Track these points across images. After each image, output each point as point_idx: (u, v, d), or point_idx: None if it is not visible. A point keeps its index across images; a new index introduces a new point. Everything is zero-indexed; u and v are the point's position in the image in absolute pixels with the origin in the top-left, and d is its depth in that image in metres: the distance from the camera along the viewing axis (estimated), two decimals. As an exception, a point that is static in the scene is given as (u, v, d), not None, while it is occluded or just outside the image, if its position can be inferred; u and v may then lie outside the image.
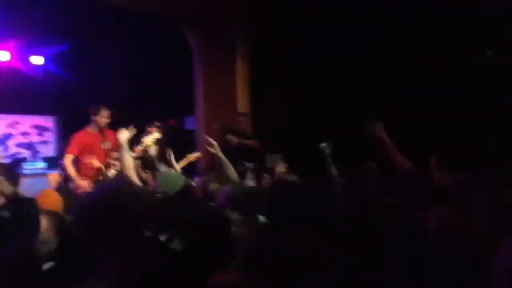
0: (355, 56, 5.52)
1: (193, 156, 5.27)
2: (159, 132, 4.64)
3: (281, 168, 4.49)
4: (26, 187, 3.29)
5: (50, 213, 2.35)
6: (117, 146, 4.82)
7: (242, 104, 6.73)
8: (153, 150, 5.05)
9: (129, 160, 3.00)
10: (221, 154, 3.66)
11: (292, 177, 3.88)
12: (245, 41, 6.75)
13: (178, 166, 4.95)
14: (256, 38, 6.69)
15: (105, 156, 4.69)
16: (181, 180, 3.03)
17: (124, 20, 6.12)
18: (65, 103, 6.74)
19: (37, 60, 7.06)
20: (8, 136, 6.88)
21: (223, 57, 6.64)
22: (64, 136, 6.81)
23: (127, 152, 3.10)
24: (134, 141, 4.86)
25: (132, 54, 6.76)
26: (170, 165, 5.06)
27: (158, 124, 5.27)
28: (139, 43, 6.67)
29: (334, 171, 3.63)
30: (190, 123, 6.95)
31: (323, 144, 3.86)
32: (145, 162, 5.26)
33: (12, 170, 2.99)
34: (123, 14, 5.95)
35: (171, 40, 6.60)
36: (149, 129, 5.21)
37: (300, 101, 6.20)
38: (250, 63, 6.80)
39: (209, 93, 6.56)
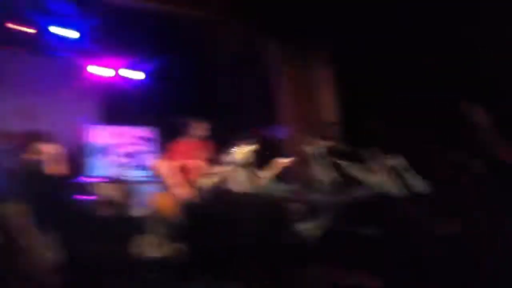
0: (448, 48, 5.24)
1: (282, 162, 5.24)
2: (253, 143, 4.76)
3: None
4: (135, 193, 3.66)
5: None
6: (212, 157, 5.15)
7: (329, 111, 6.71)
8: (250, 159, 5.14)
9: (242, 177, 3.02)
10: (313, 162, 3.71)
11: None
12: (332, 46, 6.71)
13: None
14: (344, 42, 6.64)
15: (201, 166, 4.99)
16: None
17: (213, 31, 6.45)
18: (165, 115, 7.24)
19: (139, 75, 7.69)
20: (115, 146, 7.55)
21: (309, 64, 6.70)
22: (163, 147, 7.32)
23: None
24: (224, 152, 5.12)
25: (223, 67, 7.11)
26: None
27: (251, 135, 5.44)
28: (224, 56, 6.97)
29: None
30: (277, 133, 7.10)
31: None
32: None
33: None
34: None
35: (254, 49, 6.79)
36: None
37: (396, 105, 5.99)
38: (338, 69, 6.75)
39: (294, 101, 6.65)
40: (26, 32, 6.58)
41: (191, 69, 7.08)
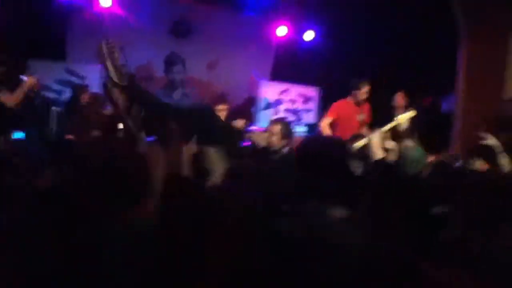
0: None
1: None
2: (414, 110, 4.67)
3: None
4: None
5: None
6: (370, 119, 5.15)
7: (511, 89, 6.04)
8: (404, 126, 5.06)
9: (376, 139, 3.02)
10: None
11: None
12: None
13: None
14: None
15: (359, 126, 5.03)
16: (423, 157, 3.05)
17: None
18: (329, 75, 7.39)
19: (309, 34, 7.91)
20: (279, 101, 8.03)
21: (493, 35, 6.05)
22: (324, 106, 7.51)
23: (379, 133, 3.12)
24: (387, 117, 5.04)
25: (393, 29, 6.84)
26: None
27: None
28: (401, 17, 6.67)
29: None
30: (448, 103, 6.65)
31: None
32: (394, 136, 5.36)
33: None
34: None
35: (435, 13, 6.36)
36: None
37: None
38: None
39: (472, 73, 6.13)
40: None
41: (363, 31, 6.99)
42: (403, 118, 4.67)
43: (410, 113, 4.66)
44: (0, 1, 6.07)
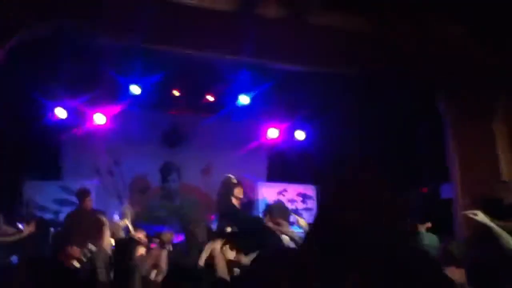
0: None
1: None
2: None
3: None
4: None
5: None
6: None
7: (507, 169, 6.09)
8: None
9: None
10: (489, 223, 3.39)
11: None
12: (504, 99, 6.22)
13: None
14: None
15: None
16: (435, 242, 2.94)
17: (371, 86, 6.51)
18: (324, 172, 7.42)
19: (300, 134, 8.10)
20: (278, 202, 7.95)
21: (479, 119, 6.23)
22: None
23: None
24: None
25: (380, 120, 7.05)
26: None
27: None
28: (387, 108, 6.91)
29: None
30: (446, 191, 6.64)
31: None
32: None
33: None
34: (370, 83, 6.35)
35: (419, 103, 6.60)
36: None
37: None
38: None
39: (465, 158, 6.18)
40: (206, 99, 7.60)
41: (353, 128, 7.19)
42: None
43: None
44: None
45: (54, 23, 5.03)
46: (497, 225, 3.31)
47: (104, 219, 5.34)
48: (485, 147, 6.15)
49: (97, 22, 5.09)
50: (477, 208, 4.27)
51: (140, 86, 7.01)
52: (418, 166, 6.71)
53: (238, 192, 4.74)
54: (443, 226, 5.60)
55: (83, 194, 5.51)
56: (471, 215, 3.57)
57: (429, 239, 3.06)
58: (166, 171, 7.65)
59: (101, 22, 5.11)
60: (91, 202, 5.53)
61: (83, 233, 5.09)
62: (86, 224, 5.19)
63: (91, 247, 4.14)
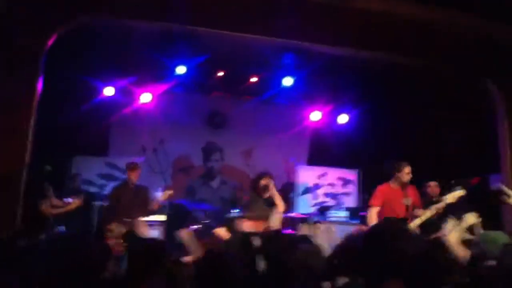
0: None
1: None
2: (464, 189, 4.53)
3: None
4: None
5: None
6: (417, 202, 4.94)
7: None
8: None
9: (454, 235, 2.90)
10: None
11: None
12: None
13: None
14: None
15: (405, 211, 4.81)
16: (503, 238, 2.78)
17: (420, 79, 6.31)
18: (367, 158, 7.31)
19: (343, 118, 7.96)
20: (318, 186, 7.92)
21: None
22: (364, 189, 7.33)
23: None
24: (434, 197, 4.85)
25: (429, 110, 6.82)
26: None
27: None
28: (436, 98, 6.69)
29: None
30: (496, 182, 6.37)
31: None
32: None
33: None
34: (418, 74, 6.16)
35: (470, 92, 6.34)
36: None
37: None
38: None
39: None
40: (249, 81, 7.60)
41: (398, 113, 7.00)
42: (452, 197, 4.53)
43: (459, 192, 4.51)
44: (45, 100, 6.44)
45: (96, 16, 5.22)
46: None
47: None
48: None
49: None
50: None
51: (185, 67, 7.09)
52: (468, 157, 6.47)
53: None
54: (492, 218, 5.40)
55: (133, 167, 5.56)
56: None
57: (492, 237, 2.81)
58: (208, 150, 7.78)
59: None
60: (138, 177, 5.60)
61: (129, 206, 5.31)
62: (133, 198, 5.40)
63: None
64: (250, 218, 4.83)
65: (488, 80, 6.09)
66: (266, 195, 5.00)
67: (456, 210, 4.99)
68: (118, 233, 4.13)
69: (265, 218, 4.84)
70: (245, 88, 7.82)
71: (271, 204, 4.97)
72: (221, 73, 7.47)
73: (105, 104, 7.10)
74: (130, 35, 5.94)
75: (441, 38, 5.69)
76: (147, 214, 5.55)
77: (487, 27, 5.64)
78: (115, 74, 6.93)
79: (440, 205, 4.45)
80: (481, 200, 5.68)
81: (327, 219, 6.60)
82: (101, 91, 7.02)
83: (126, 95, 7.26)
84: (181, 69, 7.07)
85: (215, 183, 7.57)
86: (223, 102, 8.05)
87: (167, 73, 7.19)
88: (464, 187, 4.76)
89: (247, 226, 4.73)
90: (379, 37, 5.62)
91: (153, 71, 7.09)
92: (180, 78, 7.23)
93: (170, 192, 5.65)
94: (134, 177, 5.52)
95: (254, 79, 7.61)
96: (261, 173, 5.27)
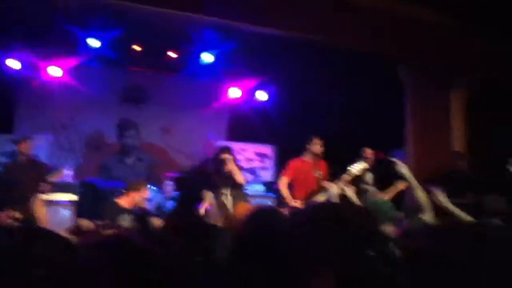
0: None
1: (403, 185, 5.26)
2: (366, 162, 4.83)
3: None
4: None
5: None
6: (327, 175, 5.20)
7: (458, 142, 6.32)
8: (368, 179, 5.27)
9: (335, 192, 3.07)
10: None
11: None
12: (461, 77, 6.40)
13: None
14: (474, 73, 6.28)
15: (315, 183, 5.05)
16: (389, 207, 3.04)
17: (337, 58, 6.54)
18: (283, 133, 7.50)
19: (261, 95, 8.09)
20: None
21: (437, 94, 6.41)
22: (280, 164, 7.54)
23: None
24: (341, 170, 5.12)
25: (343, 89, 7.12)
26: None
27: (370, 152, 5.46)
28: (350, 78, 6.98)
29: None
30: (399, 157, 6.84)
31: None
32: (358, 190, 5.49)
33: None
34: (335, 53, 6.38)
35: (381, 74, 6.69)
36: (365, 154, 5.45)
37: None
38: (467, 100, 6.40)
39: (420, 129, 6.37)
40: (168, 56, 7.43)
41: (312, 89, 7.23)
42: (356, 170, 4.81)
43: (363, 165, 4.81)
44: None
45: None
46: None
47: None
48: (441, 118, 6.35)
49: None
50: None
51: (99, 40, 6.79)
52: (377, 132, 6.85)
53: None
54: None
55: (22, 140, 5.27)
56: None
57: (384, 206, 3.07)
58: (123, 127, 7.50)
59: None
60: (30, 150, 5.27)
61: (23, 184, 4.95)
62: (27, 174, 5.05)
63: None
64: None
65: (399, 63, 6.44)
66: (226, 169, 4.95)
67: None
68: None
69: None
70: (164, 64, 7.64)
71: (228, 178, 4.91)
72: (138, 47, 7.22)
73: (9, 77, 6.60)
74: (41, 6, 5.53)
75: (357, 19, 5.88)
76: (44, 192, 5.21)
77: (402, 10, 5.91)
78: (20, 45, 6.44)
79: (345, 177, 4.70)
80: (384, 173, 6.11)
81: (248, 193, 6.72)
82: (3, 62, 6.50)
83: (33, 69, 6.79)
84: (94, 42, 6.79)
85: (130, 161, 7.35)
86: (140, 77, 7.79)
87: (80, 46, 6.85)
88: (367, 160, 5.09)
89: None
90: (296, 17, 5.71)
91: (64, 44, 6.68)
92: (94, 52, 6.93)
93: (61, 172, 5.37)
94: (25, 150, 5.20)
95: (173, 55, 7.46)
96: (221, 147, 5.24)
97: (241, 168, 5.35)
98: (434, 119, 6.37)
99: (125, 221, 4.19)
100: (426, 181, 3.87)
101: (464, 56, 6.14)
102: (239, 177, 4.98)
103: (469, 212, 3.37)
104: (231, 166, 4.93)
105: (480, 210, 4.58)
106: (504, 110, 5.95)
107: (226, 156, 4.97)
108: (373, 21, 5.75)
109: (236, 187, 4.93)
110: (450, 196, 3.42)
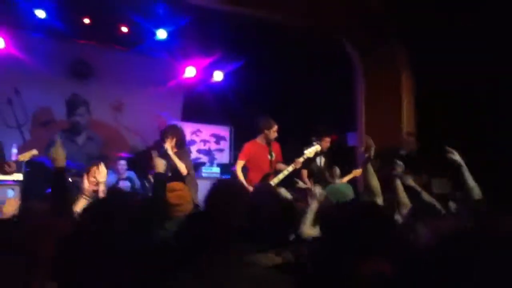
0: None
1: (358, 172, 5.40)
2: (319, 144, 4.89)
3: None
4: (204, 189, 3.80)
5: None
6: (280, 158, 5.22)
7: (407, 121, 6.49)
8: (321, 162, 5.36)
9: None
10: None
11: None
12: (409, 53, 6.51)
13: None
14: (421, 49, 6.41)
15: (269, 165, 5.07)
16: (350, 191, 3.11)
17: (289, 36, 6.52)
18: (239, 115, 7.45)
19: (218, 75, 7.96)
20: (192, 142, 7.88)
21: (385, 71, 6.52)
22: (236, 145, 7.51)
23: None
24: (296, 153, 5.17)
25: (297, 70, 7.14)
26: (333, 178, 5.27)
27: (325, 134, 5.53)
28: (303, 58, 6.99)
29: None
30: (352, 139, 6.99)
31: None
32: (311, 172, 5.58)
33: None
34: (287, 31, 6.36)
35: (335, 54, 6.73)
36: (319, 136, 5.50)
37: (473, 116, 5.65)
38: (415, 77, 6.53)
39: (370, 109, 6.50)
40: (120, 30, 7.12)
41: (268, 72, 7.18)
42: (309, 152, 4.88)
43: (316, 148, 4.88)
44: None
45: None
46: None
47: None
48: (391, 98, 6.49)
49: None
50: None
51: (45, 11, 6.41)
52: (331, 115, 6.93)
53: None
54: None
55: None
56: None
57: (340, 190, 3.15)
58: (73, 104, 7.17)
59: None
60: None
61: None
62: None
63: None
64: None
65: (346, 40, 6.49)
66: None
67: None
68: None
69: None
70: (115, 38, 7.33)
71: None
72: (87, 21, 6.87)
73: None
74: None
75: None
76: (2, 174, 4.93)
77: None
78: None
79: (299, 160, 4.76)
80: (339, 156, 6.23)
81: (200, 175, 6.67)
82: None
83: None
84: (40, 13, 6.42)
85: (80, 139, 7.06)
86: (90, 50, 7.38)
87: (24, 16, 6.44)
88: (320, 143, 5.16)
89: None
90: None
91: (6, 13, 6.26)
92: (40, 22, 6.54)
93: (34, 151, 5.05)
94: None
95: (124, 29, 7.16)
96: (164, 129, 4.92)
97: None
98: (385, 101, 6.51)
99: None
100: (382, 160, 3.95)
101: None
102: (180, 166, 4.59)
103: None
104: (172, 157, 4.56)
105: (430, 192, 4.75)
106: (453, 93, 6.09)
107: (167, 144, 4.61)
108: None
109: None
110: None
